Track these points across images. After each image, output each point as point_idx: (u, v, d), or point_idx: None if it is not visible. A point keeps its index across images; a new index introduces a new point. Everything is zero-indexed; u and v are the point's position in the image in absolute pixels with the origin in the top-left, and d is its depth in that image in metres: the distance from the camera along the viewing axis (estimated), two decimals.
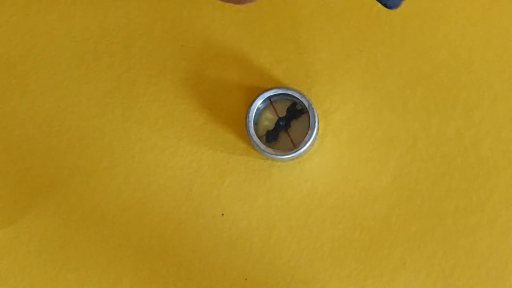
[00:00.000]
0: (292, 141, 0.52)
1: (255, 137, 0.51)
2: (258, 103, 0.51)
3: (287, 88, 0.51)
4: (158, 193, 0.53)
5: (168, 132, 0.53)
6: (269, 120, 0.52)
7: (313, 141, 0.51)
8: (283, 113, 0.52)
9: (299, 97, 0.51)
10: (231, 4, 0.53)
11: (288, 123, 0.52)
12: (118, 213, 0.52)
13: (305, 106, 0.51)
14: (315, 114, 0.51)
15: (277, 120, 0.52)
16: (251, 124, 0.51)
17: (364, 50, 0.53)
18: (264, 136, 0.52)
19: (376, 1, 0.46)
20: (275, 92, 0.51)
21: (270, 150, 0.51)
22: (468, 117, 0.53)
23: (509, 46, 0.53)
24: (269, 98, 0.52)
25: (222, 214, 0.52)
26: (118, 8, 0.53)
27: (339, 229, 0.52)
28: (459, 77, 0.53)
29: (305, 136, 0.51)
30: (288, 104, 0.52)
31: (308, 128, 0.51)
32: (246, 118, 0.51)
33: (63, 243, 0.53)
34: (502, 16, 0.53)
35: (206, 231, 0.52)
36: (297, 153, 0.51)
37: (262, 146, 0.51)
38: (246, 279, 0.52)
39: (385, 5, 0.46)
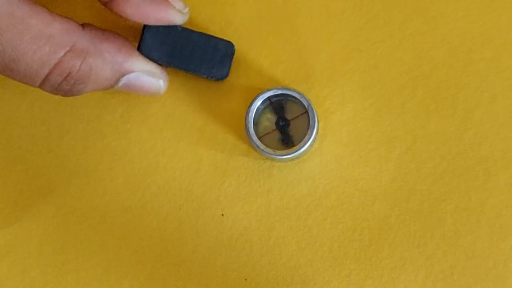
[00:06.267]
0: (292, 141, 0.52)
1: (255, 137, 0.51)
2: (258, 103, 0.51)
3: (287, 88, 0.51)
4: (158, 193, 0.52)
5: (168, 133, 0.53)
6: (269, 120, 0.52)
7: (313, 141, 0.51)
8: (283, 113, 0.52)
9: (299, 97, 0.51)
10: (230, 4, 0.53)
11: (288, 123, 0.52)
12: (118, 213, 0.52)
13: (305, 106, 0.51)
14: (315, 114, 0.51)
15: (277, 120, 0.52)
16: (251, 125, 0.51)
17: (364, 50, 0.53)
18: (265, 136, 0.52)
19: (207, 76, 0.50)
20: (275, 92, 0.51)
21: (270, 150, 0.51)
22: (468, 117, 0.53)
23: (509, 46, 0.53)
24: (269, 98, 0.52)
25: (222, 215, 0.52)
26: None
27: (339, 229, 0.52)
28: (459, 77, 0.53)
29: (305, 136, 0.51)
30: (288, 104, 0.52)
31: (308, 128, 0.51)
32: (246, 118, 0.51)
33: (63, 243, 0.53)
34: (502, 16, 0.53)
35: (206, 231, 0.52)
36: (297, 153, 0.51)
37: (262, 146, 0.51)
38: (246, 279, 0.52)
39: (216, 79, 0.51)
